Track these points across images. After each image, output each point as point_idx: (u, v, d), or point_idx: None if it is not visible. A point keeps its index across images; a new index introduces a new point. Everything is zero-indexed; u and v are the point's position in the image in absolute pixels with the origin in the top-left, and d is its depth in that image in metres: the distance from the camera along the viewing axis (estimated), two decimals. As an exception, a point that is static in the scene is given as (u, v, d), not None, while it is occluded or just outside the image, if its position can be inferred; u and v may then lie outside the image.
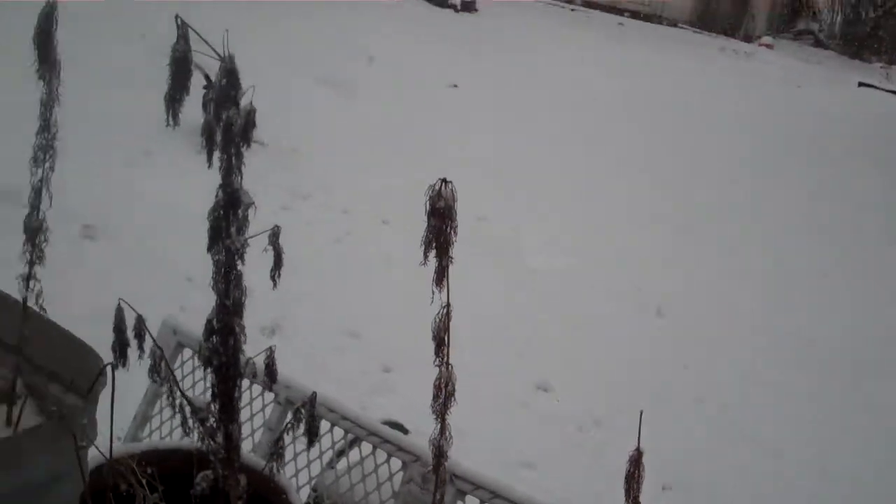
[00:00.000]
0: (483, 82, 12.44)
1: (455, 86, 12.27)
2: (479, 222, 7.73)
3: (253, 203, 2.05)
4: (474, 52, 13.84)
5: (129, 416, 3.09)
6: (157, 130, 8.39)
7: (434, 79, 12.21)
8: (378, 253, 7.12)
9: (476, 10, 17.12)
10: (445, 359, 1.63)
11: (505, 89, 12.31)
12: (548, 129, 10.94)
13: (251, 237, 2.06)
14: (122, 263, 6.25)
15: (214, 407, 2.16)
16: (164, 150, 8.30)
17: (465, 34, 15.21)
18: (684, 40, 18.05)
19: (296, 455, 2.73)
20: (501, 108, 11.56)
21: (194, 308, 5.34)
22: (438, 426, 1.70)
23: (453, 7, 16.91)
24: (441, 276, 1.58)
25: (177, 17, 1.94)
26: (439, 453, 1.73)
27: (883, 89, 16.89)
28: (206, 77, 2.05)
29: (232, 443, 2.17)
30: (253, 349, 2.22)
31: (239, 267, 2.09)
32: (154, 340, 2.11)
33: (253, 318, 2.18)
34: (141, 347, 2.15)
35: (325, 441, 2.69)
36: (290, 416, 2.90)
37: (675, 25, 18.94)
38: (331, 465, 2.78)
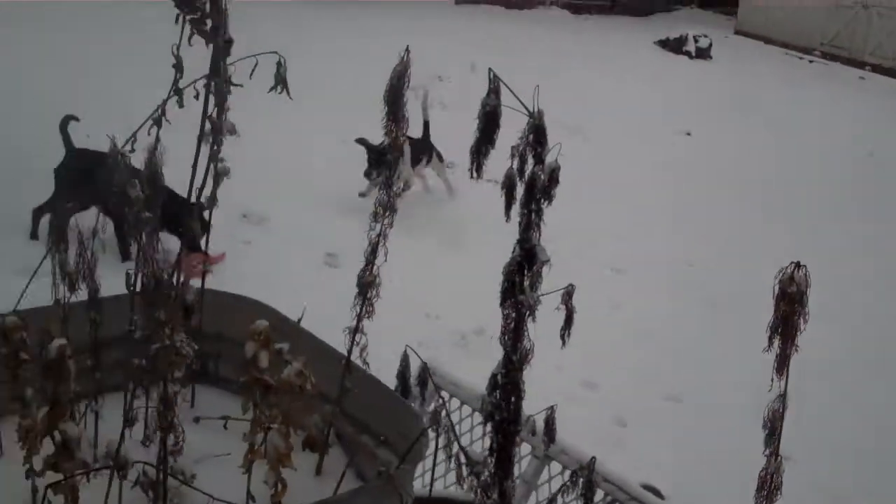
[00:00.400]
0: (716, 131, 12.18)
1: (688, 133, 12.07)
2: (690, 268, 7.51)
3: (548, 260, 2.02)
4: (709, 101, 13.58)
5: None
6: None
7: (668, 125, 12.04)
8: (607, 301, 7.00)
9: (710, 58, 16.83)
10: (775, 450, 1.54)
11: (738, 140, 11.98)
12: (782, 187, 10.53)
13: (544, 294, 2.04)
14: (363, 294, 6.37)
15: (491, 461, 2.15)
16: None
17: (699, 82, 14.97)
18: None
19: (552, 512, 2.68)
20: (734, 158, 11.26)
21: (431, 344, 5.41)
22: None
23: (688, 54, 16.69)
24: (782, 363, 1.49)
25: (490, 70, 1.94)
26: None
27: None
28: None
29: (506, 499, 2.15)
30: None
31: (529, 323, 2.07)
32: (437, 389, 2.11)
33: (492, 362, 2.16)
34: (423, 395, 2.16)
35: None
36: (546, 469, 2.87)
37: (920, 80, 18.06)
38: (588, 526, 2.72)
